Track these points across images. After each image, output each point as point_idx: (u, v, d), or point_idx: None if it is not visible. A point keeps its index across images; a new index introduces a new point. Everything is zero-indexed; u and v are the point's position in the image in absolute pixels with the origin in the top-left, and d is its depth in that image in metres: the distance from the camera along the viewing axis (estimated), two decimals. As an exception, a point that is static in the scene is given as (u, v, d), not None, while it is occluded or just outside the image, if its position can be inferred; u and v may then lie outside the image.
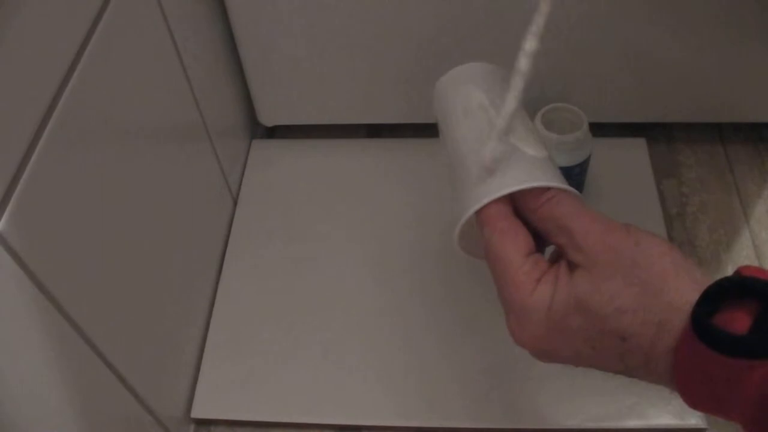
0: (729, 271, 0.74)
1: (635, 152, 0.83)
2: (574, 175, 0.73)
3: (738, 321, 0.32)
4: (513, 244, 0.40)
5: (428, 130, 0.84)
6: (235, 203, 0.82)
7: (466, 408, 0.65)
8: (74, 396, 0.48)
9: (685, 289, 0.35)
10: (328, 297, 0.73)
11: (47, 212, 0.44)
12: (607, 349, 0.37)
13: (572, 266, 0.39)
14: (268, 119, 0.85)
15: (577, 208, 0.40)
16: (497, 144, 0.42)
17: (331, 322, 0.72)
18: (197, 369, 0.70)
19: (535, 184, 0.40)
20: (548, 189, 0.40)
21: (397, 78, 0.78)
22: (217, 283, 0.75)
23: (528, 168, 0.42)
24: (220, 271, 0.76)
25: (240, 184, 0.83)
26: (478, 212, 0.41)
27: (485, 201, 0.41)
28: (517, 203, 0.42)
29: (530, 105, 0.74)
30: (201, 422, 0.68)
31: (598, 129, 0.74)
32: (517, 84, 0.42)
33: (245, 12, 0.73)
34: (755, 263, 0.75)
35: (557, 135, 0.69)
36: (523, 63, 0.42)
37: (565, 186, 0.41)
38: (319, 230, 0.78)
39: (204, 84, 0.70)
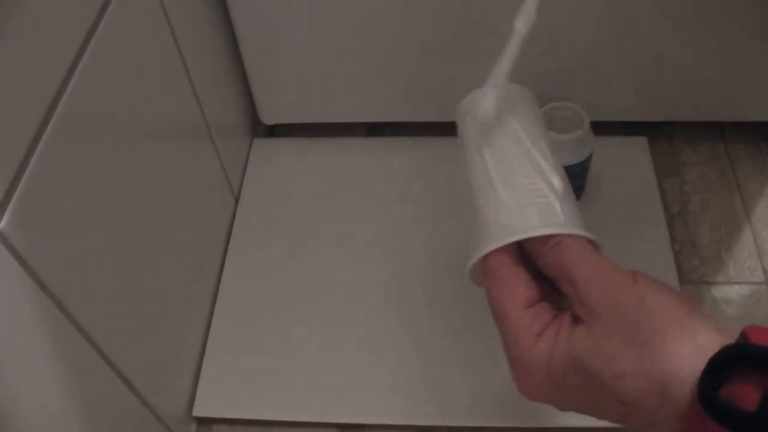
0: (731, 270, 0.75)
1: (637, 151, 0.83)
2: (576, 174, 0.73)
3: (746, 395, 0.31)
4: (512, 296, 0.39)
5: (429, 129, 0.84)
6: (237, 202, 0.82)
7: (467, 407, 0.65)
8: (76, 395, 0.48)
9: (687, 356, 0.33)
10: (330, 295, 0.73)
11: (49, 211, 0.44)
12: (608, 410, 0.36)
13: (576, 319, 0.37)
14: (269, 118, 0.85)
15: (583, 255, 0.38)
16: (491, 95, 0.42)
17: (333, 320, 0.72)
18: (199, 367, 0.70)
19: (537, 233, 0.39)
20: (554, 235, 0.39)
21: (399, 76, 0.78)
22: (218, 281, 0.75)
23: (539, 208, 0.41)
24: (222, 269, 0.76)
25: (241, 183, 0.83)
26: (482, 258, 0.41)
27: (487, 250, 0.40)
28: (525, 246, 0.40)
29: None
30: (202, 421, 0.68)
31: (600, 128, 0.74)
32: (515, 42, 0.42)
33: (247, 11, 0.73)
34: (756, 262, 0.75)
35: (558, 134, 0.69)
36: (521, 22, 0.42)
37: (571, 231, 0.39)
38: (320, 229, 0.78)
39: (205, 83, 0.70)
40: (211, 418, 0.68)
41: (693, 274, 0.75)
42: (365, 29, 0.73)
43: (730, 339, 0.33)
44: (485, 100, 0.42)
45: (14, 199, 0.40)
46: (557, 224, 0.39)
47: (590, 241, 0.40)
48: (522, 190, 0.41)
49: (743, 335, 0.32)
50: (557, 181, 0.41)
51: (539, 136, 0.44)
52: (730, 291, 0.73)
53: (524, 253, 0.41)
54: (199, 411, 0.68)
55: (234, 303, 0.74)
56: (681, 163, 0.84)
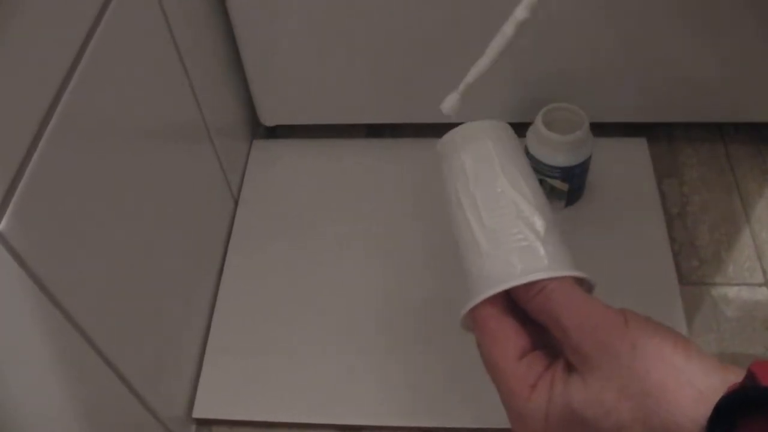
0: (730, 271, 0.75)
1: (636, 152, 0.83)
2: (575, 175, 0.73)
3: None
4: (502, 348, 0.38)
5: (428, 130, 0.83)
6: (236, 203, 0.82)
7: (466, 408, 0.65)
8: (75, 396, 0.48)
9: (687, 404, 0.32)
10: (329, 297, 0.73)
11: (48, 212, 0.44)
12: None
13: (570, 366, 0.36)
14: (268, 119, 0.85)
15: (569, 298, 0.37)
16: (456, 97, 0.42)
17: (332, 322, 0.72)
18: (198, 369, 0.70)
19: (517, 282, 0.38)
20: (536, 281, 0.37)
21: (398, 78, 0.78)
22: (218, 283, 0.75)
23: (521, 253, 0.39)
24: (222, 271, 0.76)
25: (241, 184, 0.83)
26: (470, 310, 0.40)
27: (472, 305, 0.39)
28: (512, 294, 0.39)
29: (531, 105, 0.74)
30: (202, 422, 0.68)
31: (599, 129, 0.74)
32: (498, 44, 0.41)
33: (246, 12, 0.73)
34: (756, 263, 0.75)
35: (558, 135, 0.69)
36: (509, 28, 0.41)
37: (555, 273, 0.38)
38: (319, 230, 0.78)
39: (205, 84, 0.70)
40: (211, 419, 0.68)
41: (692, 275, 0.75)
42: (365, 31, 0.73)
43: (733, 375, 0.32)
44: (451, 96, 0.41)
45: (14, 200, 0.40)
46: (540, 268, 0.38)
47: (581, 279, 0.39)
48: (503, 237, 0.40)
49: (751, 375, 0.31)
50: (539, 222, 0.40)
51: (518, 175, 0.42)
52: (730, 292, 0.73)
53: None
54: (199, 412, 0.67)
55: (234, 304, 0.74)
56: (680, 164, 0.84)
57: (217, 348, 0.71)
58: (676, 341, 0.34)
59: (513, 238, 0.39)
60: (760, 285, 0.74)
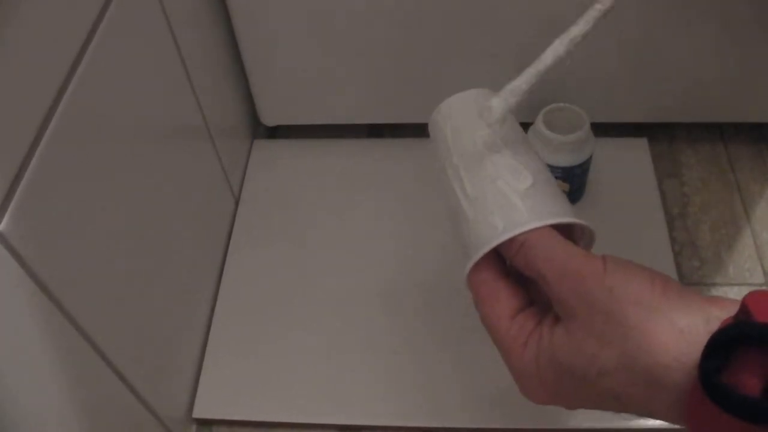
0: (730, 271, 0.75)
1: (637, 152, 0.83)
2: (576, 175, 0.73)
3: (747, 378, 0.29)
4: (495, 311, 0.39)
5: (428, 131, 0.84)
6: (237, 203, 0.82)
7: (466, 408, 0.65)
8: (76, 396, 0.48)
9: (669, 344, 0.32)
10: (329, 296, 0.73)
11: (49, 212, 0.44)
12: (608, 405, 0.36)
13: (557, 318, 0.37)
14: (269, 119, 0.85)
15: (549, 249, 0.37)
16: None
17: (332, 321, 0.72)
18: (199, 369, 0.70)
19: (494, 243, 0.38)
20: (515, 237, 0.38)
21: (398, 78, 0.78)
22: (218, 283, 0.75)
23: (502, 211, 0.39)
24: (222, 271, 0.76)
25: (242, 184, 0.83)
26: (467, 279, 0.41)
27: (465, 272, 0.40)
28: (501, 253, 0.40)
29: (532, 105, 0.74)
30: (202, 422, 0.68)
31: (600, 129, 0.74)
32: (544, 61, 0.39)
33: (247, 12, 0.73)
34: (756, 264, 0.75)
35: (559, 135, 0.69)
36: (560, 44, 0.39)
37: (531, 225, 0.38)
38: (320, 230, 0.78)
39: (206, 84, 0.70)
40: (211, 419, 0.68)
41: (693, 276, 0.75)
42: (365, 31, 0.73)
43: (716, 309, 0.32)
44: (495, 101, 0.39)
45: (14, 200, 0.40)
46: (519, 223, 0.38)
47: (582, 229, 0.39)
48: (485, 201, 0.40)
49: (744, 308, 0.30)
50: (521, 177, 0.40)
51: (494, 137, 0.42)
52: (730, 292, 0.73)
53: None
54: (199, 412, 0.68)
55: (234, 304, 0.74)
56: (681, 164, 0.84)
57: (217, 348, 0.71)
58: (654, 281, 0.34)
59: (493, 199, 0.40)
60: (760, 285, 0.74)
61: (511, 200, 0.39)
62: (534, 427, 0.64)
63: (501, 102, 0.39)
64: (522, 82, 0.39)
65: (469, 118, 0.44)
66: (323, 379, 0.68)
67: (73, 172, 0.46)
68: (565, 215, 0.39)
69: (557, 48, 0.39)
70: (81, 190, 0.48)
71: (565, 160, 0.70)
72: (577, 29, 0.39)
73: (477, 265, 0.40)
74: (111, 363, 0.51)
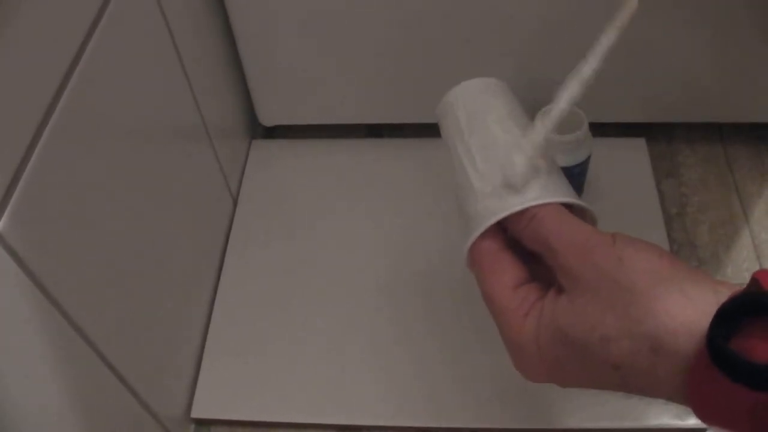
0: (729, 272, 0.75)
1: (635, 152, 0.83)
2: (574, 175, 0.73)
3: (756, 344, 0.29)
4: (498, 281, 0.39)
5: (428, 130, 0.83)
6: (235, 203, 0.82)
7: (466, 408, 0.65)
8: (74, 396, 0.48)
9: (676, 309, 0.32)
10: (328, 297, 0.73)
11: (47, 212, 0.43)
12: (605, 378, 0.35)
13: (561, 290, 0.36)
14: (267, 119, 0.85)
15: (559, 223, 0.37)
16: (524, 159, 0.40)
17: (331, 321, 0.72)
18: (197, 369, 0.70)
19: (505, 213, 0.39)
20: (527, 209, 0.38)
21: (397, 78, 0.78)
22: (217, 283, 0.75)
23: (513, 185, 0.40)
24: (220, 271, 0.76)
25: (240, 184, 0.83)
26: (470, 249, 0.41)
27: (469, 242, 0.40)
28: (507, 227, 0.40)
29: (530, 105, 0.74)
30: (201, 422, 0.68)
31: (598, 129, 0.74)
32: (580, 82, 0.41)
33: (245, 12, 0.73)
34: (755, 263, 0.75)
35: (557, 135, 0.69)
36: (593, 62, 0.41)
37: (543, 200, 0.38)
38: (319, 230, 0.78)
39: (204, 84, 0.70)
40: (210, 419, 0.68)
41: (691, 275, 0.75)
42: (364, 31, 0.73)
43: (725, 288, 0.32)
44: (516, 158, 0.40)
45: (13, 200, 0.40)
46: (531, 198, 0.39)
47: (583, 211, 0.40)
48: (495, 175, 0.41)
49: (755, 281, 0.30)
50: (531, 151, 0.41)
51: (506, 118, 0.43)
52: (729, 292, 0.73)
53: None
54: (197, 412, 0.67)
55: (233, 304, 0.74)
56: (679, 165, 0.84)
57: (216, 348, 0.71)
58: (662, 254, 0.34)
59: (505, 173, 0.40)
60: (759, 285, 0.74)
61: (522, 173, 0.40)
62: (534, 427, 0.64)
63: (524, 160, 0.40)
64: (543, 131, 0.41)
65: (484, 105, 0.45)
66: (322, 379, 0.68)
67: (72, 172, 0.46)
68: (576, 199, 0.40)
69: (573, 89, 0.41)
70: (79, 190, 0.48)
71: (564, 160, 0.70)
72: (589, 68, 0.41)
73: (481, 236, 0.40)
74: (109, 363, 0.51)
